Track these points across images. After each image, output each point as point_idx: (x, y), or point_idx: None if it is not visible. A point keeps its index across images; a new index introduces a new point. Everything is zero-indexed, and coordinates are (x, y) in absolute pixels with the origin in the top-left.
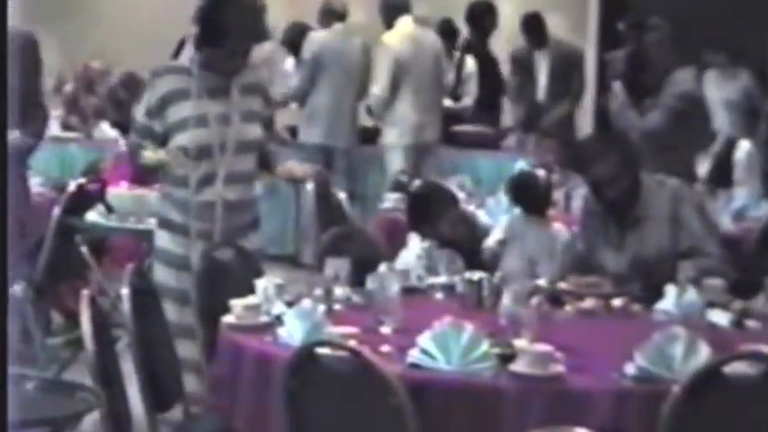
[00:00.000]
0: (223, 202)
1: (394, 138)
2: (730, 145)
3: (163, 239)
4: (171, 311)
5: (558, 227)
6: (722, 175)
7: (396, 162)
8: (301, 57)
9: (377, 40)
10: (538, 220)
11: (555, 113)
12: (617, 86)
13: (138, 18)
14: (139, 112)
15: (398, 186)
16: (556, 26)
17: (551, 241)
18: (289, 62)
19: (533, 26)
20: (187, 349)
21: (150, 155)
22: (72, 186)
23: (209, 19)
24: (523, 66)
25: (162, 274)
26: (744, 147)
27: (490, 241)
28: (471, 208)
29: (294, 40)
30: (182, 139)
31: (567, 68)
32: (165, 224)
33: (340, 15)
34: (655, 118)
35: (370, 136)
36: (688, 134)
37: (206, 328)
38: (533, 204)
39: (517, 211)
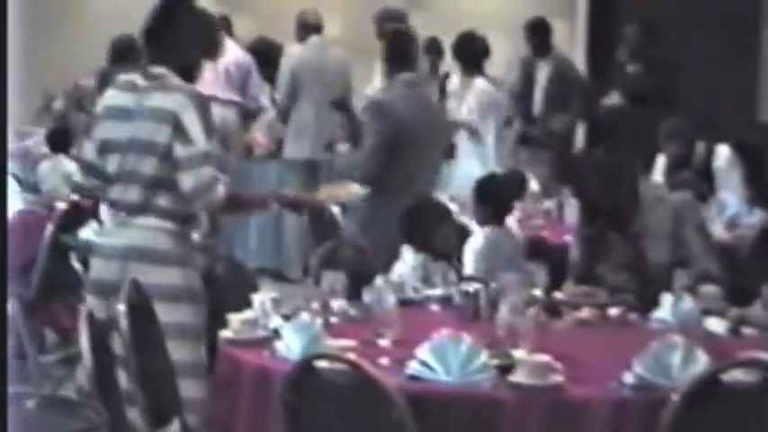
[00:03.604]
0: None
1: None
2: (709, 152)
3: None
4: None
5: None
6: (704, 183)
7: None
8: (277, 72)
9: (354, 53)
10: (495, 224)
11: (552, 127)
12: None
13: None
14: None
15: None
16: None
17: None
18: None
19: (538, 31)
20: (186, 354)
21: None
22: (65, 203)
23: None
24: (526, 72)
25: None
26: (722, 153)
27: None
28: (464, 219)
29: (258, 54)
30: None
31: (566, 84)
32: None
33: (315, 28)
34: None
35: None
36: None
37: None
38: (493, 209)
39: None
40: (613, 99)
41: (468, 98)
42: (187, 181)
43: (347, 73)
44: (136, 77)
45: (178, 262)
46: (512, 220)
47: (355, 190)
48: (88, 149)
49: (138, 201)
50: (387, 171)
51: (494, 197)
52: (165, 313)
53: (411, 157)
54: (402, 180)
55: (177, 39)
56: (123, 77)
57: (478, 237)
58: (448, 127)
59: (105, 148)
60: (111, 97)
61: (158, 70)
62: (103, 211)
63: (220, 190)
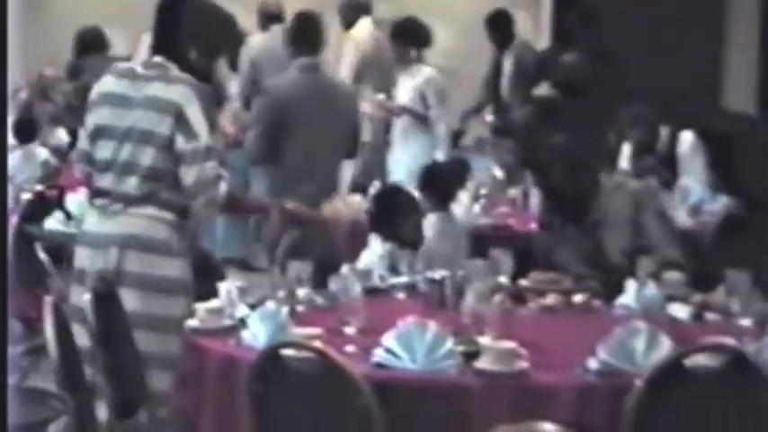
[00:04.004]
0: None
1: None
2: (673, 139)
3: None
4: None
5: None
6: (668, 170)
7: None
8: (239, 63)
9: None
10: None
11: (517, 116)
12: None
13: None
14: None
15: (357, 188)
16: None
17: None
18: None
19: (499, 26)
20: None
21: None
22: (30, 194)
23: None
24: (494, 64)
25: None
26: (686, 139)
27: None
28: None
29: None
30: None
31: (528, 71)
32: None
33: (276, 16)
34: None
35: None
36: None
37: None
38: (435, 194)
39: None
40: (542, 90)
41: (409, 84)
42: (189, 175)
43: None
44: (136, 65)
45: (177, 253)
46: (477, 208)
47: (357, 204)
48: (81, 136)
49: (136, 192)
50: (279, 153)
51: (438, 184)
52: (158, 305)
53: (307, 139)
54: (300, 161)
55: (181, 33)
56: (122, 65)
57: (425, 224)
58: (350, 112)
59: (99, 134)
60: (108, 84)
61: (159, 60)
62: (70, 200)
63: (222, 187)
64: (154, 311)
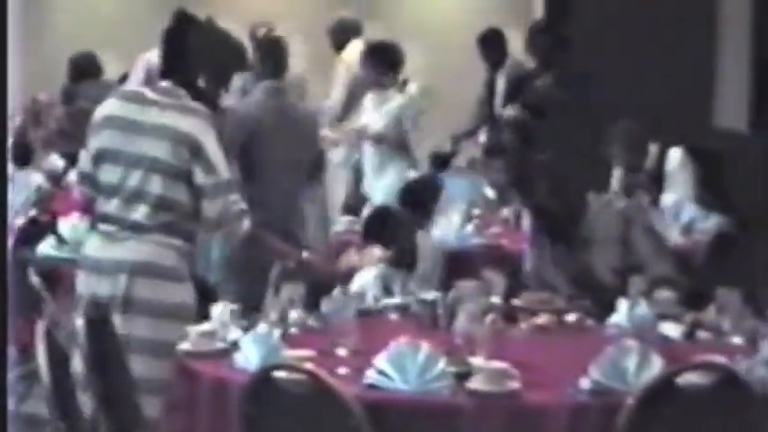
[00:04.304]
0: None
1: (342, 156)
2: (662, 156)
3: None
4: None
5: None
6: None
7: (342, 181)
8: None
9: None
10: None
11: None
12: None
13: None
14: None
15: (349, 209)
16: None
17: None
18: None
19: (491, 43)
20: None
21: None
22: (23, 219)
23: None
24: (488, 83)
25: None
26: (674, 156)
27: None
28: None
29: None
30: None
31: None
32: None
33: None
34: None
35: None
36: None
37: None
38: (411, 211)
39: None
40: (509, 111)
41: (383, 108)
42: (213, 209)
43: (302, 85)
44: (144, 89)
45: (184, 278)
46: (470, 228)
47: (373, 256)
48: (83, 158)
49: (147, 221)
50: (245, 173)
51: (413, 203)
52: (167, 331)
53: (270, 161)
54: (264, 182)
55: (190, 58)
56: (130, 89)
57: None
58: (312, 136)
59: (103, 157)
60: (113, 106)
61: (169, 85)
62: (62, 225)
63: (246, 223)
64: (162, 337)
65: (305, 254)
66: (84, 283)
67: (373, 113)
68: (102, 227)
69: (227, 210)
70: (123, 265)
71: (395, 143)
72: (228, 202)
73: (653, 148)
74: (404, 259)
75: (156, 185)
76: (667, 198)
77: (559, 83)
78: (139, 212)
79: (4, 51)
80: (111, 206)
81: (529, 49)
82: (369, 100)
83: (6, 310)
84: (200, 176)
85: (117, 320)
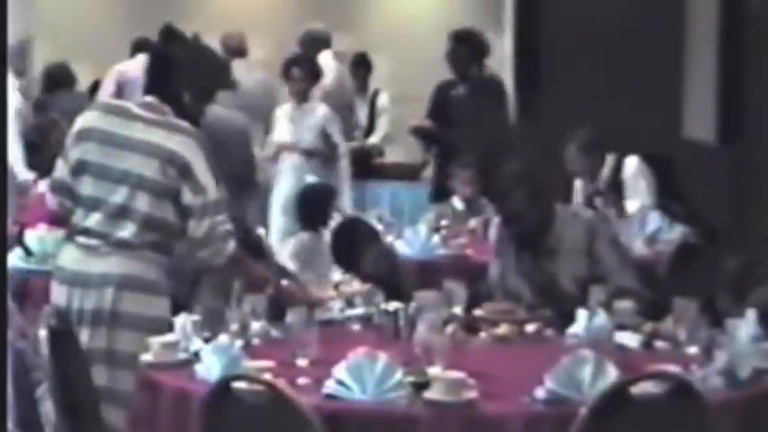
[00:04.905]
0: None
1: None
2: (618, 165)
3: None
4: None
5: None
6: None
7: None
8: None
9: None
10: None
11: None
12: None
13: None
14: None
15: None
16: None
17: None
18: None
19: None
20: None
21: None
22: None
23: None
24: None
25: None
26: (630, 164)
27: None
28: (390, 239)
29: None
30: None
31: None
32: None
33: (239, 51)
34: None
35: None
36: None
37: None
38: (306, 217)
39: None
40: (416, 121)
41: (305, 122)
42: (200, 228)
43: (273, 96)
44: (129, 105)
45: (165, 292)
46: (436, 238)
47: (352, 288)
48: (60, 167)
49: (134, 239)
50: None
51: (306, 206)
52: (143, 344)
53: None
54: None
55: (175, 75)
56: (114, 102)
57: (294, 241)
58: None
59: (83, 169)
60: (93, 119)
61: (154, 101)
62: (29, 237)
63: (231, 245)
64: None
65: (284, 282)
66: (65, 296)
67: (296, 126)
68: (82, 240)
69: (213, 230)
70: (110, 279)
71: (309, 155)
72: (215, 222)
73: (610, 158)
74: (372, 271)
75: (142, 203)
76: (632, 206)
77: (475, 93)
78: (127, 230)
79: (4, 51)
80: (92, 220)
81: (447, 58)
82: (283, 111)
83: (6, 310)
84: (187, 196)
85: (101, 334)
